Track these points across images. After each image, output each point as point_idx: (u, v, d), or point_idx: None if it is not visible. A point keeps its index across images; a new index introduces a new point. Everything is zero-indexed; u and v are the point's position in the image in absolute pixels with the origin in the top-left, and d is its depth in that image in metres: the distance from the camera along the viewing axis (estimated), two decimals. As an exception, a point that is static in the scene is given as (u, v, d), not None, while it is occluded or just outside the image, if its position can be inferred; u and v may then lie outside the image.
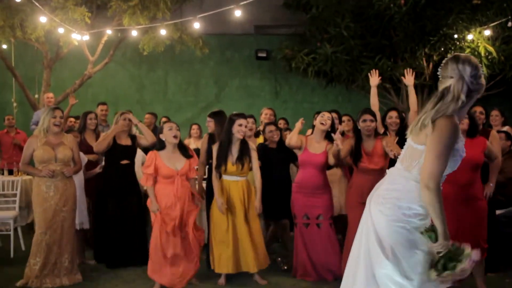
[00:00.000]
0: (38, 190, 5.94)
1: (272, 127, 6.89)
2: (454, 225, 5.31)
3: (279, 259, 6.76)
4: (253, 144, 6.23)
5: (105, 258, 6.84)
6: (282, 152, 6.74)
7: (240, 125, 5.96)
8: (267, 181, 6.28)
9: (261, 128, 7.61)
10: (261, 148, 6.68)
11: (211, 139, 6.60)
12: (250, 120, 6.86)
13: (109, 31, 11.07)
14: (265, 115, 7.97)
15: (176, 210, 5.82)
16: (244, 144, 6.04)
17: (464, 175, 5.20)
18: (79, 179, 6.57)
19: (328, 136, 6.19)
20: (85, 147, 7.10)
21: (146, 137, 6.89)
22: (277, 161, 6.73)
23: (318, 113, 6.69)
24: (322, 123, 6.18)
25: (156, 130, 8.72)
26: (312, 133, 6.45)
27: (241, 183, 6.07)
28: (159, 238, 5.81)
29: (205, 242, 6.25)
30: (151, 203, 5.87)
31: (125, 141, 6.93)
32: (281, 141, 6.82)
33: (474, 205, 5.33)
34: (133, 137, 7.00)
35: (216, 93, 13.79)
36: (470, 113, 5.36)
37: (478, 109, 6.70)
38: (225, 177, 6.06)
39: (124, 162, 6.85)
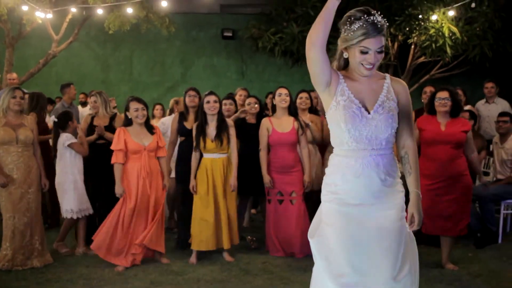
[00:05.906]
0: (1, 173, 5.85)
1: (252, 100, 6.90)
2: (437, 202, 5.54)
3: (249, 237, 6.84)
4: (231, 121, 6.27)
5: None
6: None
7: (208, 102, 6.03)
8: (249, 157, 6.37)
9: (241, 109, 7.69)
10: (240, 124, 6.64)
11: (182, 117, 6.64)
12: (228, 101, 6.92)
13: (73, 9, 10.90)
14: (240, 96, 7.98)
15: (143, 187, 5.86)
16: (221, 121, 6.09)
17: (446, 152, 5.52)
18: (78, 166, 6.46)
19: (290, 111, 6.34)
20: (43, 127, 7.11)
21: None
22: (257, 137, 6.62)
23: (270, 93, 6.77)
24: (283, 102, 6.31)
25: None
26: (272, 113, 6.52)
27: (221, 160, 6.09)
28: (120, 216, 5.88)
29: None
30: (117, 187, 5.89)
31: (103, 121, 6.75)
32: (261, 115, 6.81)
33: (460, 180, 5.62)
34: (112, 116, 6.83)
35: (182, 73, 13.73)
36: (452, 93, 5.61)
37: (428, 88, 6.98)
38: (206, 155, 6.10)
39: (100, 142, 6.68)
